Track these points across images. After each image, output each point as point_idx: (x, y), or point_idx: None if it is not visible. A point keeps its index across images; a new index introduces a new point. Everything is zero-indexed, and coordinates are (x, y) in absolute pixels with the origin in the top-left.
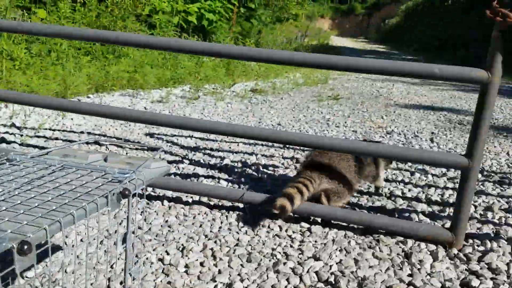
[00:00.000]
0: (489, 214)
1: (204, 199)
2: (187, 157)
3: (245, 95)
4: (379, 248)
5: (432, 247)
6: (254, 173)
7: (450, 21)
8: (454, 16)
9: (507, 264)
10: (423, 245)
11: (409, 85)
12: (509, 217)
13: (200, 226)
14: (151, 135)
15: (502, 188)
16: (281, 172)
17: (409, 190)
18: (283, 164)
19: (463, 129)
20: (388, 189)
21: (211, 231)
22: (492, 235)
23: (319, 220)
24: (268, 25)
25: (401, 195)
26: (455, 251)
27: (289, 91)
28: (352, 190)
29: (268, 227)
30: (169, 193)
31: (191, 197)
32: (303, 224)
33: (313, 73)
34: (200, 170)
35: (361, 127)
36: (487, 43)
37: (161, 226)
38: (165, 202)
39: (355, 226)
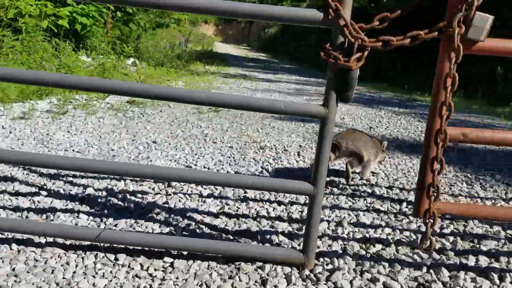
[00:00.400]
0: (339, 230)
1: (60, 239)
2: (45, 187)
3: (120, 108)
4: (239, 277)
5: (287, 269)
6: (120, 202)
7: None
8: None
9: (351, 282)
10: (279, 268)
11: (285, 95)
12: (356, 231)
13: (52, 272)
14: None
15: (353, 200)
16: (150, 200)
17: (274, 209)
18: (153, 189)
19: None
20: (255, 209)
21: (63, 278)
22: (340, 251)
23: (184, 252)
24: (147, 30)
25: (266, 215)
26: (307, 272)
27: (169, 102)
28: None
29: (129, 266)
30: (19, 234)
31: (45, 238)
32: (166, 259)
33: (196, 80)
34: (58, 203)
35: (237, 142)
36: None
37: (7, 275)
38: (14, 245)
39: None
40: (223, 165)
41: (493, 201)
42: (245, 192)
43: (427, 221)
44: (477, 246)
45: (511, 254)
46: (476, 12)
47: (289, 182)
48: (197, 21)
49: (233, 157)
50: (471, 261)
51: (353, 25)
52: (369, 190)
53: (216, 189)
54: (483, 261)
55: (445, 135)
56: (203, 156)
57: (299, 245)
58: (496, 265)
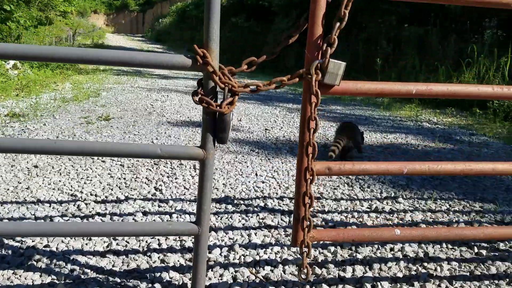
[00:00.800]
0: (231, 255)
1: None
2: None
3: None
4: None
5: None
6: None
7: None
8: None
9: None
10: None
11: (183, 95)
12: (247, 254)
13: None
14: None
15: (246, 218)
16: (30, 243)
17: (166, 238)
18: None
19: (219, 146)
20: (146, 242)
21: None
22: (231, 280)
23: None
24: (28, 28)
25: (157, 247)
26: None
27: (54, 112)
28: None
29: None
30: None
31: None
32: None
33: (86, 81)
34: None
35: (129, 159)
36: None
37: None
38: None
39: None
40: (112, 189)
41: (369, 202)
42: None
43: (302, 251)
44: (354, 254)
45: (383, 260)
46: (330, 60)
47: (173, 225)
48: (86, 11)
49: (124, 178)
50: (349, 272)
51: (223, 69)
52: (262, 204)
53: (103, 221)
54: (359, 270)
55: (312, 171)
56: (90, 180)
57: (190, 279)
58: (369, 273)
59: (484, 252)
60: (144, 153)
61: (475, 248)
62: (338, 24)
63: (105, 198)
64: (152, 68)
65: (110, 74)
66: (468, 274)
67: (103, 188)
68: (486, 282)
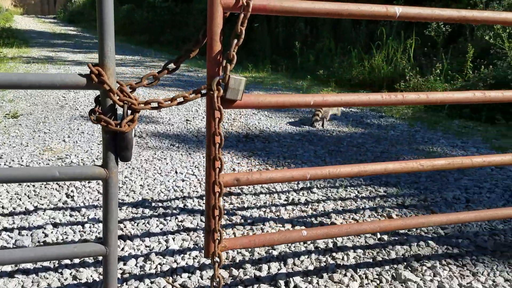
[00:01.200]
0: (147, 265)
1: None
2: None
3: None
4: None
5: None
6: None
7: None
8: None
9: None
10: None
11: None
12: (164, 263)
13: None
14: None
15: (164, 222)
16: None
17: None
18: None
19: (137, 143)
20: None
21: None
22: None
23: None
24: None
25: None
26: None
27: None
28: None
29: None
30: None
31: None
32: None
33: None
34: None
35: (39, 162)
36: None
37: None
38: None
39: None
40: (20, 199)
41: (287, 194)
42: (46, 236)
43: (214, 262)
44: (271, 251)
45: (296, 254)
46: (230, 76)
47: (78, 247)
48: None
49: (33, 185)
50: (264, 270)
51: (122, 86)
52: (181, 205)
53: (10, 237)
54: (274, 267)
55: (221, 185)
56: None
57: None
58: (284, 269)
59: (385, 237)
60: (40, 177)
61: (378, 234)
62: (235, 41)
63: (13, 210)
64: (44, 89)
65: (20, 62)
66: (371, 260)
67: (11, 199)
68: (387, 267)
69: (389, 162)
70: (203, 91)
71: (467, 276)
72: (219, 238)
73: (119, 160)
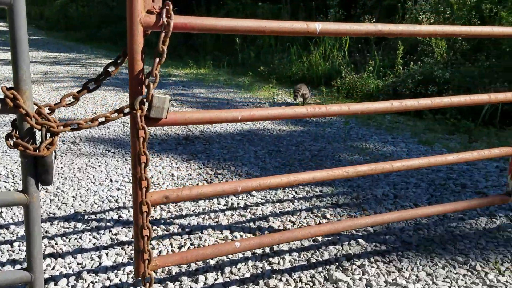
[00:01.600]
0: (79, 284)
1: None
2: None
3: None
4: None
5: None
6: None
7: None
8: None
9: None
10: None
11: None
12: (97, 281)
13: None
14: None
15: (98, 236)
16: None
17: None
18: None
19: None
20: None
21: None
22: None
23: None
24: None
25: None
26: None
27: None
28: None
29: None
30: None
31: None
32: None
33: None
34: None
35: None
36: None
37: None
38: None
39: None
40: None
41: (226, 199)
42: None
43: (145, 283)
44: (208, 260)
45: (234, 262)
46: (153, 95)
47: (1, 274)
48: None
49: None
50: (201, 282)
51: (41, 109)
52: (116, 216)
53: None
54: (211, 278)
55: (148, 205)
56: None
57: None
58: (220, 279)
59: (320, 238)
60: None
61: None
62: (157, 59)
63: None
64: None
65: None
66: (306, 263)
67: None
68: (320, 268)
69: (317, 170)
70: (126, 110)
71: (393, 272)
72: (148, 258)
73: (39, 184)
